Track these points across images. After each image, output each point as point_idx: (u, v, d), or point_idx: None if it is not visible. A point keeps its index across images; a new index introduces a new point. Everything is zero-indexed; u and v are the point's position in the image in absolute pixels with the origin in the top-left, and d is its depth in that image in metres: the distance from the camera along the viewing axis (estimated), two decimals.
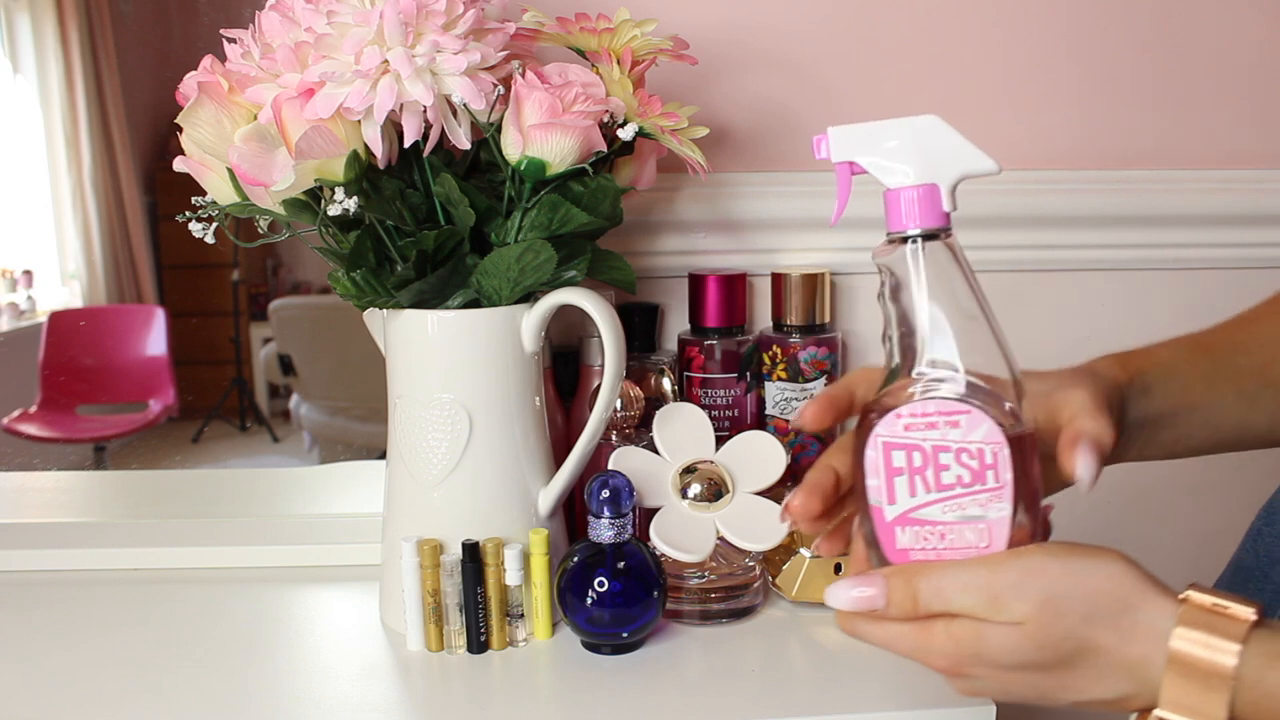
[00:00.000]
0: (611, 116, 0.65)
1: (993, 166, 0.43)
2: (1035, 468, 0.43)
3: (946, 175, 0.43)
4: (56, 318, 0.99)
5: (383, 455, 0.72)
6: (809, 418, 0.49)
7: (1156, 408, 0.55)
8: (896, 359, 0.43)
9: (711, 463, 0.70)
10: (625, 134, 0.64)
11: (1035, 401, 0.48)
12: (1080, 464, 0.44)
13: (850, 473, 0.47)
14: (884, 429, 0.43)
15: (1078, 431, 0.46)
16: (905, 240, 0.43)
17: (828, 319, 0.82)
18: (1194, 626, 0.40)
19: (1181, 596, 0.41)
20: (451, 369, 0.66)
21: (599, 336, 0.66)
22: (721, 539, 0.67)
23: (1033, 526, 0.43)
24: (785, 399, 0.82)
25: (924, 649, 0.45)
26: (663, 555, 0.66)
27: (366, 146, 0.61)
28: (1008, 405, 0.42)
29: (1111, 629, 0.41)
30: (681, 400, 0.80)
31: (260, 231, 0.67)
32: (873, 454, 0.43)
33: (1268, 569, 0.56)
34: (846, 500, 0.49)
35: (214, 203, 0.65)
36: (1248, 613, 0.40)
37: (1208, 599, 0.41)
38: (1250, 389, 0.58)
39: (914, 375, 0.43)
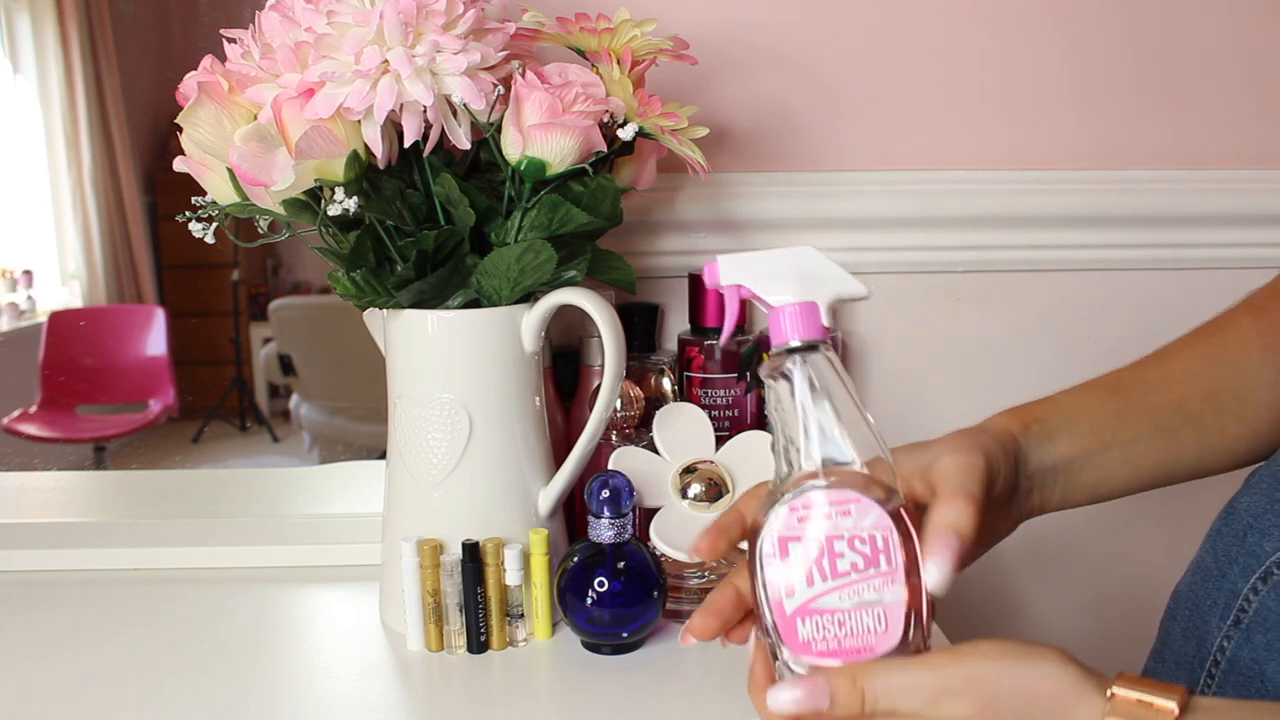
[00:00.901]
0: (611, 116, 0.65)
1: (863, 291, 0.48)
2: (915, 541, 0.45)
3: (823, 296, 0.47)
4: (56, 318, 0.99)
5: (383, 455, 0.72)
6: (703, 549, 0.50)
7: (1064, 451, 0.56)
8: (785, 462, 0.46)
9: (711, 463, 0.70)
10: (625, 134, 0.64)
11: (918, 475, 0.51)
12: (931, 571, 0.46)
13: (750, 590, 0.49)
14: (776, 524, 0.44)
15: (934, 525, 0.47)
16: (788, 352, 0.46)
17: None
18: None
19: (1109, 694, 0.42)
20: (451, 369, 0.66)
21: (599, 336, 0.66)
22: None
23: (917, 601, 0.45)
24: None
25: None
26: (663, 555, 0.66)
27: (366, 146, 0.61)
28: (887, 488, 0.45)
29: None
30: (681, 400, 0.80)
31: (260, 231, 0.67)
32: (769, 550, 0.45)
33: (1225, 568, 0.57)
34: (748, 619, 0.50)
35: (214, 203, 0.65)
36: (1171, 705, 0.42)
37: (1133, 694, 0.42)
38: (1169, 424, 0.59)
39: (802, 473, 0.45)
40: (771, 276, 0.47)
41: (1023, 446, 0.55)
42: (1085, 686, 0.42)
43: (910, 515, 0.45)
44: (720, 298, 0.80)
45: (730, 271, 0.48)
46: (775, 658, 0.46)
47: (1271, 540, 0.54)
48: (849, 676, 0.44)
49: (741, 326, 0.82)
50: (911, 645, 0.45)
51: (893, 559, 0.44)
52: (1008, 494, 0.54)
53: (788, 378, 0.46)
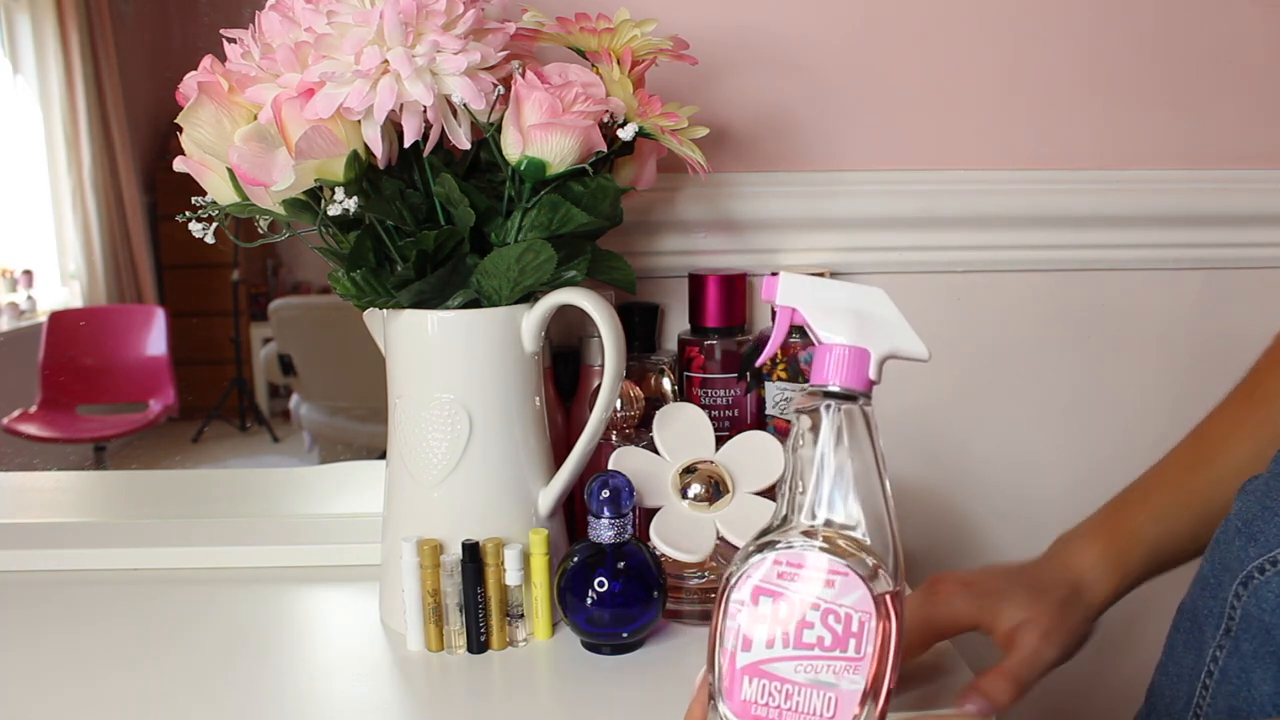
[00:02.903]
0: (611, 116, 0.65)
1: (924, 352, 0.44)
2: (894, 633, 0.42)
3: (879, 347, 0.43)
4: (56, 318, 0.99)
5: (383, 455, 0.72)
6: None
7: (1136, 575, 0.62)
8: (788, 505, 0.43)
9: (711, 463, 0.70)
10: (625, 134, 0.64)
11: (985, 599, 0.57)
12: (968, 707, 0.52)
13: None
14: (756, 572, 0.42)
15: (974, 686, 0.54)
16: (825, 395, 0.43)
17: None
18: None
19: None
20: (451, 369, 0.66)
21: (599, 336, 0.66)
22: (721, 539, 0.67)
23: (874, 695, 0.42)
24: (785, 399, 0.82)
25: None
26: (663, 555, 0.66)
27: (366, 146, 0.61)
28: (884, 574, 0.42)
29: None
30: (681, 400, 0.80)
31: (260, 231, 0.67)
32: (739, 595, 0.42)
33: (1220, 577, 0.57)
34: None
35: (214, 203, 0.65)
36: None
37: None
38: (1217, 520, 0.61)
39: (799, 526, 0.42)
40: (831, 309, 0.44)
41: (1104, 604, 0.61)
42: None
43: (897, 606, 0.42)
44: (720, 296, 0.81)
45: (790, 292, 0.44)
46: (711, 701, 0.43)
47: (1257, 545, 0.54)
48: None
49: (741, 326, 0.83)
50: None
51: (862, 646, 0.41)
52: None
53: (816, 421, 0.43)
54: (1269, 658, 0.52)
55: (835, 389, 0.43)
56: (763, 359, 0.47)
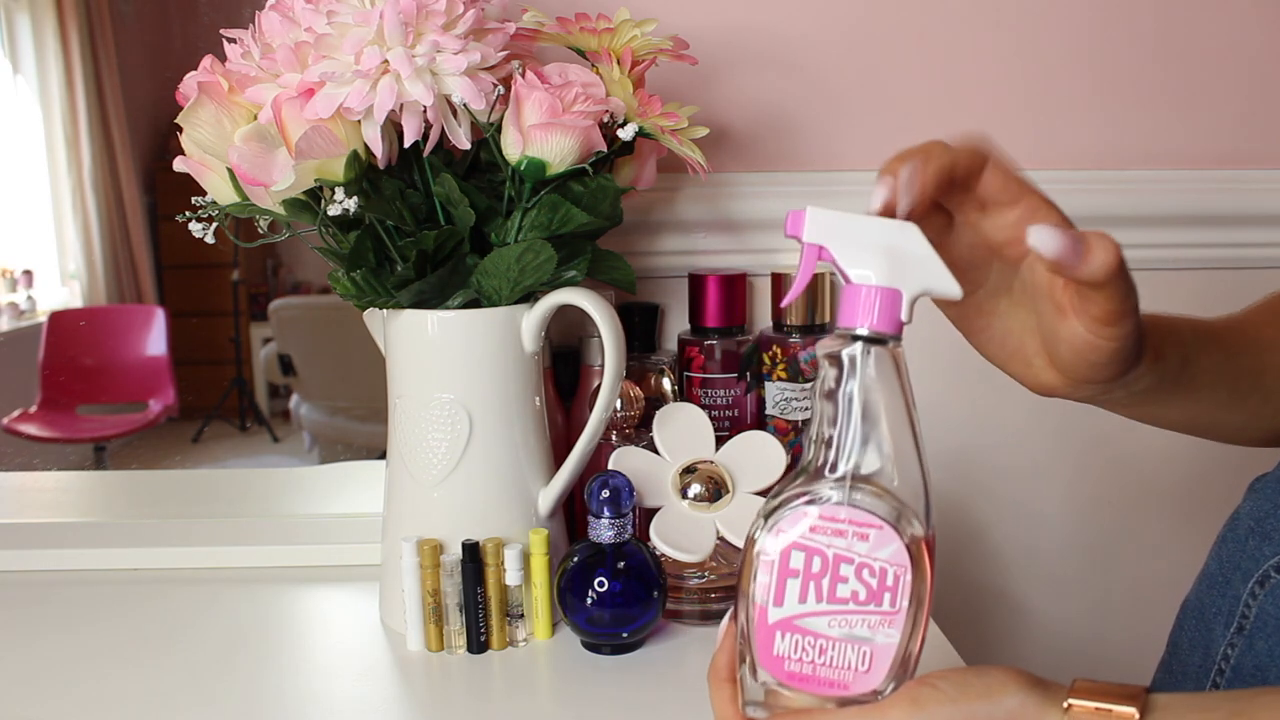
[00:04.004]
0: (611, 116, 0.65)
1: (957, 291, 0.42)
2: (932, 581, 0.41)
3: (911, 286, 0.41)
4: (56, 318, 0.99)
5: (383, 455, 0.72)
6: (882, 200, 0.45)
7: (1158, 378, 0.54)
8: (816, 455, 0.41)
9: (711, 463, 0.70)
10: (625, 134, 0.64)
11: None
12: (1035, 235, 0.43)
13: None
14: (788, 525, 0.40)
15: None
16: (854, 339, 0.41)
17: (828, 319, 0.82)
18: None
19: (1065, 705, 0.40)
20: (451, 369, 0.66)
21: (599, 336, 0.66)
22: (721, 539, 0.67)
23: (913, 655, 0.41)
24: (785, 399, 0.82)
25: None
26: (663, 555, 0.66)
27: (366, 146, 0.61)
28: (917, 521, 0.41)
29: None
30: (681, 400, 0.80)
31: (260, 231, 0.67)
32: (771, 549, 0.40)
33: (1229, 575, 0.57)
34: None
35: (214, 203, 0.65)
36: (1130, 711, 0.40)
37: (1090, 704, 0.40)
38: (1244, 387, 0.58)
39: (831, 476, 0.41)
40: (861, 246, 0.41)
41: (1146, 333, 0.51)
42: (1045, 707, 0.40)
43: (930, 553, 0.41)
44: (720, 296, 0.81)
45: (817, 228, 0.41)
46: (742, 660, 0.43)
47: (1271, 544, 0.54)
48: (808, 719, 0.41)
49: (741, 326, 0.82)
50: (886, 694, 0.41)
51: (898, 600, 0.40)
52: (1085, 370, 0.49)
53: (843, 366, 0.40)
54: None
55: (865, 332, 0.40)
56: (789, 299, 0.44)
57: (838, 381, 0.41)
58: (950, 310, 0.52)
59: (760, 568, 0.41)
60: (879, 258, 0.41)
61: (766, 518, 0.41)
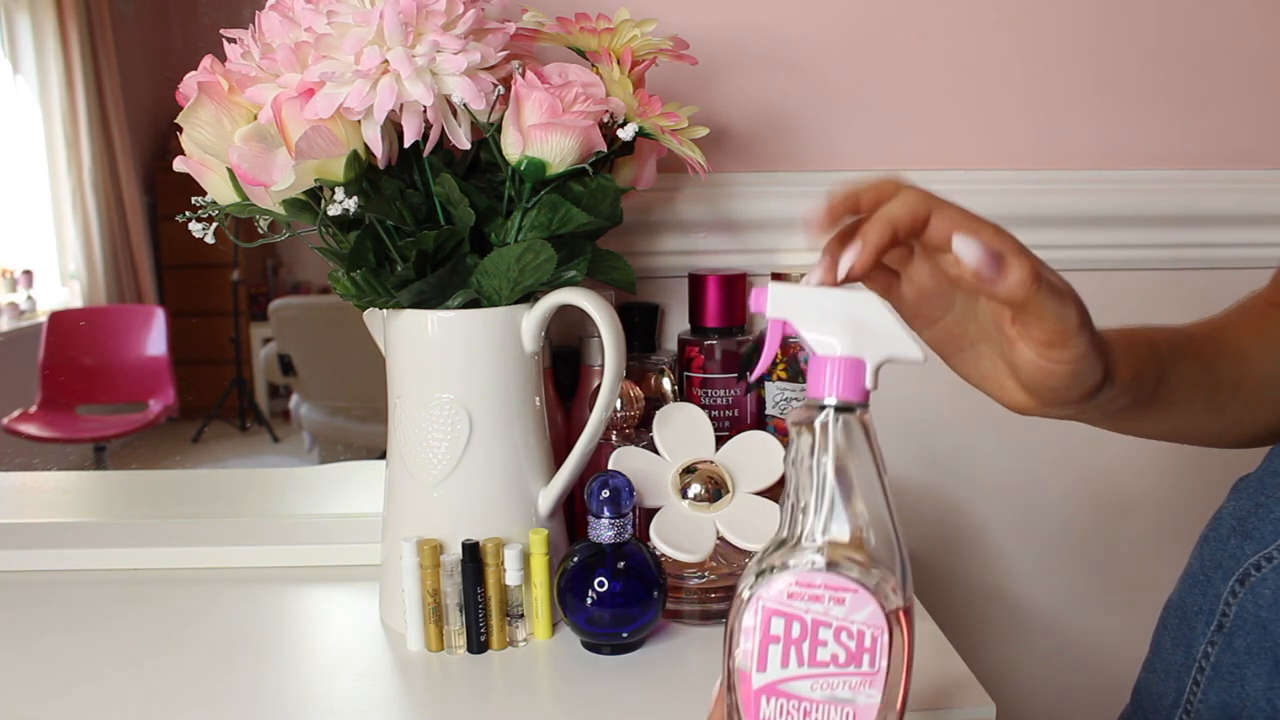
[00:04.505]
0: (611, 116, 0.65)
1: (919, 356, 0.43)
2: (910, 646, 0.42)
3: (874, 355, 0.43)
4: (56, 318, 0.99)
5: (383, 455, 0.72)
6: (816, 221, 0.48)
7: (1133, 396, 0.54)
8: (792, 522, 0.42)
9: (711, 463, 0.70)
10: (625, 134, 0.64)
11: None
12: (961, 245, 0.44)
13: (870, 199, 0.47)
14: (767, 593, 0.41)
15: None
16: (823, 409, 0.42)
17: None
18: None
19: None
20: (451, 369, 0.66)
21: (599, 336, 0.66)
22: (721, 539, 0.67)
23: (895, 713, 0.42)
24: (785, 399, 0.82)
25: None
26: (663, 555, 0.66)
27: (366, 146, 0.61)
28: (892, 584, 0.42)
29: None
30: (681, 400, 0.80)
31: (260, 231, 0.67)
32: (751, 617, 0.42)
33: (1210, 574, 0.57)
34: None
35: (214, 203, 0.65)
36: None
37: None
38: (1222, 398, 0.58)
39: (806, 544, 0.42)
40: (823, 319, 0.43)
41: (1108, 383, 0.51)
42: None
43: (908, 618, 0.42)
44: (720, 296, 0.81)
45: (780, 304, 0.44)
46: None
47: (1252, 543, 0.54)
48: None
49: (741, 326, 0.83)
50: None
51: (876, 661, 0.41)
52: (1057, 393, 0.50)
53: (814, 435, 0.42)
54: (1263, 654, 0.52)
55: (833, 402, 0.42)
56: (756, 373, 0.46)
57: (810, 451, 0.42)
58: (926, 335, 0.53)
59: (743, 635, 0.42)
60: (841, 329, 0.42)
61: (747, 586, 0.42)
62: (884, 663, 0.41)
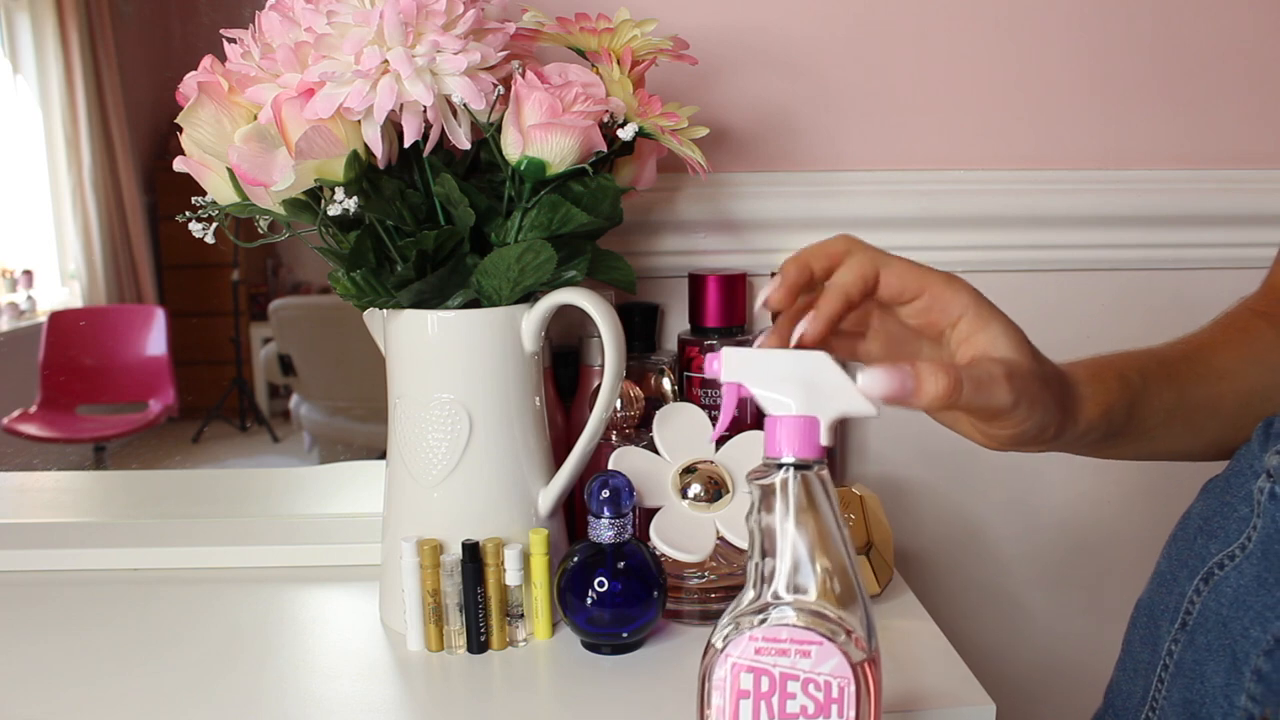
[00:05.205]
0: (611, 116, 0.65)
1: (871, 411, 0.44)
2: (878, 695, 0.43)
3: (827, 412, 0.44)
4: (56, 318, 0.99)
5: (383, 455, 0.72)
6: (774, 301, 0.50)
7: (1105, 430, 0.55)
8: (755, 581, 0.44)
9: (711, 463, 0.70)
10: (625, 134, 0.64)
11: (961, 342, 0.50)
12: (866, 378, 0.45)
13: (822, 269, 0.49)
14: (735, 650, 0.43)
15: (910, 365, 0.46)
16: (779, 467, 0.44)
17: None
18: None
19: None
20: (451, 369, 0.66)
21: (599, 336, 0.66)
22: (721, 539, 0.67)
23: None
24: None
25: None
26: (663, 555, 0.66)
27: (366, 146, 0.61)
28: (855, 635, 0.43)
29: None
30: (681, 400, 0.80)
31: (260, 231, 0.67)
32: (721, 674, 0.43)
33: (1176, 572, 0.57)
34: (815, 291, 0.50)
35: (214, 203, 0.65)
36: None
37: None
38: (1199, 420, 0.59)
39: (771, 599, 0.43)
40: (776, 380, 0.44)
41: (1075, 422, 0.52)
42: None
43: (873, 670, 0.43)
44: (720, 296, 0.81)
45: (734, 368, 0.45)
46: None
47: (1216, 542, 0.55)
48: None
49: (741, 326, 0.82)
50: None
51: (844, 711, 0.42)
52: (1044, 441, 0.51)
53: (773, 493, 0.44)
54: (1223, 650, 0.53)
55: (790, 460, 0.43)
56: (716, 434, 0.48)
57: (768, 508, 0.43)
58: None
59: (714, 691, 0.43)
60: (795, 388, 0.44)
61: (716, 642, 0.43)
62: (851, 712, 0.42)
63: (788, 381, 0.44)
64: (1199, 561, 0.56)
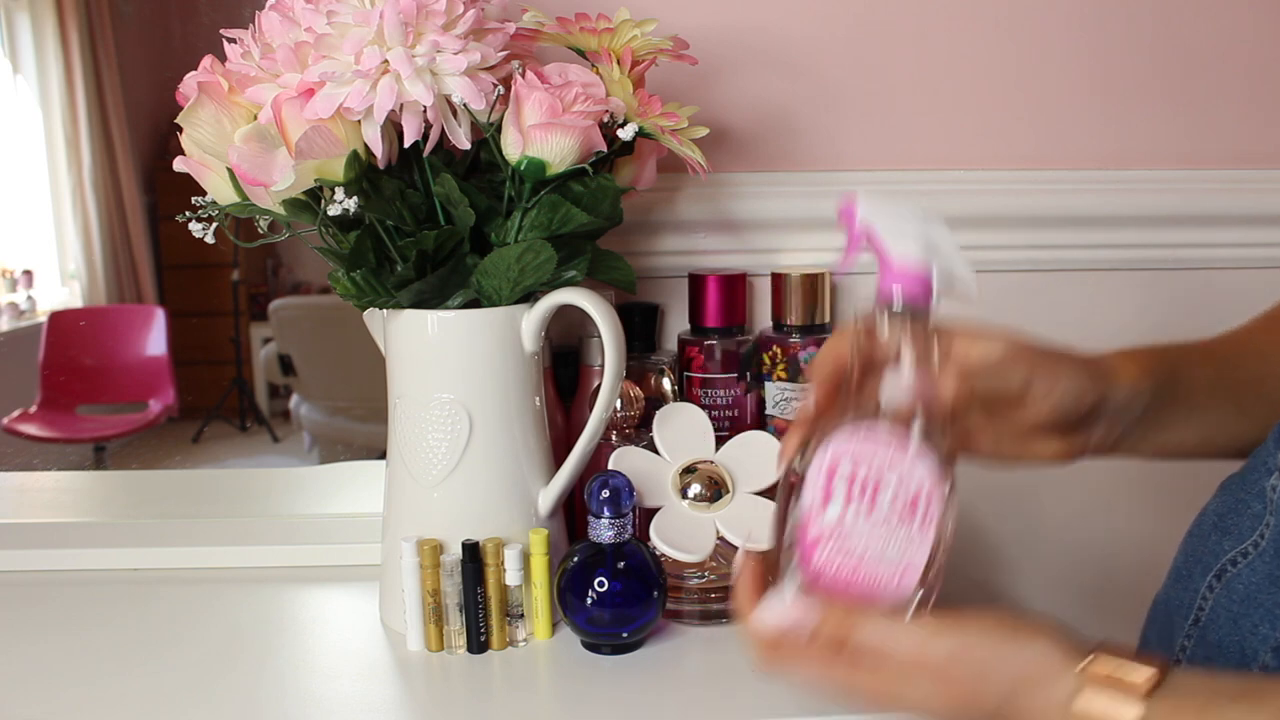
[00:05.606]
0: (611, 116, 0.65)
1: (971, 277, 0.48)
2: (954, 501, 0.46)
3: (938, 262, 0.47)
4: (56, 318, 0.99)
5: (383, 455, 0.72)
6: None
7: (1155, 407, 0.56)
8: (859, 389, 0.47)
9: (711, 463, 0.70)
10: (625, 134, 0.64)
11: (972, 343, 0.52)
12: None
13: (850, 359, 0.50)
14: (838, 442, 0.45)
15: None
16: (893, 306, 0.46)
17: (828, 319, 0.82)
18: (1093, 698, 0.42)
19: (1081, 667, 0.42)
20: (451, 369, 0.66)
21: (599, 336, 0.66)
22: (721, 539, 0.67)
23: (938, 568, 0.46)
24: (785, 399, 0.82)
25: (849, 679, 0.45)
26: (663, 555, 0.66)
27: (366, 146, 0.61)
28: (946, 446, 0.46)
29: (1024, 704, 0.43)
30: (681, 400, 0.80)
31: (260, 231, 0.67)
32: (819, 463, 0.45)
33: (1191, 569, 0.57)
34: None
35: (214, 203, 0.65)
36: (1144, 676, 0.41)
37: (1105, 669, 0.42)
38: (1247, 400, 0.59)
39: (875, 405, 0.45)
40: (902, 234, 0.48)
41: (1112, 387, 0.53)
42: (1066, 662, 0.42)
43: (952, 476, 0.45)
44: (720, 296, 0.81)
45: (867, 212, 0.48)
46: (773, 573, 0.47)
47: (1230, 539, 0.55)
48: (844, 612, 0.44)
49: (741, 326, 0.83)
50: (914, 604, 0.45)
51: (929, 516, 0.44)
52: (1075, 420, 0.53)
53: (887, 323, 0.47)
54: (1233, 647, 0.53)
55: (902, 300, 0.47)
56: (841, 270, 0.50)
57: (881, 334, 0.47)
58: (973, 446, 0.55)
59: (806, 486, 0.45)
60: (914, 241, 0.47)
61: (813, 443, 0.46)
62: (934, 517, 0.44)
63: (910, 235, 0.47)
64: (1213, 558, 0.56)
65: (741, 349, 0.82)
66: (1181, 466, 0.96)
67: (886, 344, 0.46)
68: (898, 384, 0.46)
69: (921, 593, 0.45)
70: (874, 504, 0.44)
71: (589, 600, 0.64)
